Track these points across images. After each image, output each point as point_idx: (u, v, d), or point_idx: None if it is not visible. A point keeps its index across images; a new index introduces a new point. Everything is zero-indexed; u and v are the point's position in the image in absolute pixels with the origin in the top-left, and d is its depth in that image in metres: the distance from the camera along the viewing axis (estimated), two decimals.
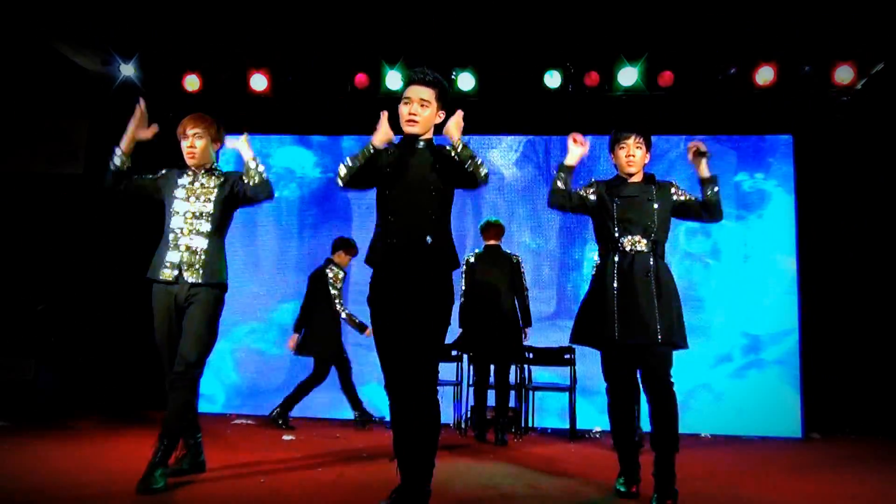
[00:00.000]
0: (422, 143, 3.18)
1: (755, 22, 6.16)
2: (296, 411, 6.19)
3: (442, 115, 3.20)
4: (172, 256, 3.59)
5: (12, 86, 7.11)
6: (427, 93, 3.13)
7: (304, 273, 6.69)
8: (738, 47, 6.54)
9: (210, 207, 3.67)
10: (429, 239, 3.02)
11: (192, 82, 7.10)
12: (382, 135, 3.15)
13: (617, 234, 3.71)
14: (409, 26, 6.45)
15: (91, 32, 6.55)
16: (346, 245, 6.47)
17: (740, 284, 6.98)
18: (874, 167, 6.91)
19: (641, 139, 3.80)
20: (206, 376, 3.83)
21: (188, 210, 3.65)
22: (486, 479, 3.99)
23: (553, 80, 6.90)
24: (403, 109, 3.14)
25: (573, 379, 6.20)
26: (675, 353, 3.65)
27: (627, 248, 3.67)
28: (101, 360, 7.06)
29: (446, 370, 6.28)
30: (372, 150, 3.13)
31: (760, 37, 6.36)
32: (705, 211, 3.79)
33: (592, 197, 3.84)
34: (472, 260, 5.97)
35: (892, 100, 6.72)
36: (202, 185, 3.71)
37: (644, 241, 3.68)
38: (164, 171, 3.79)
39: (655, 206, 3.73)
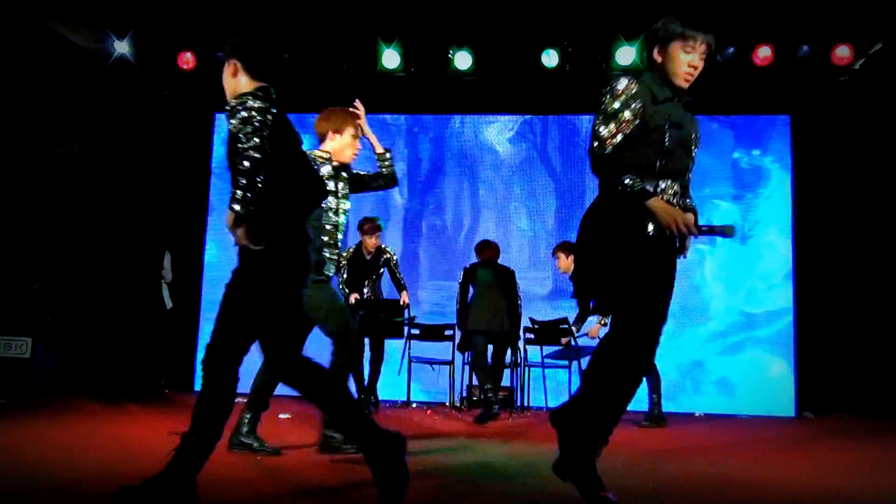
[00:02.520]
0: None
1: (754, 1, 6.11)
2: (291, 390, 6.18)
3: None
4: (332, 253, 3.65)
5: (6, 65, 7.03)
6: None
7: None
8: (736, 27, 6.49)
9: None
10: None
11: (186, 60, 7.01)
12: None
13: (657, 173, 2.50)
14: (406, 3, 6.38)
15: (85, 10, 6.47)
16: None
17: (737, 264, 6.99)
18: (872, 147, 6.89)
19: (708, 49, 2.63)
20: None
21: (342, 206, 3.70)
22: (482, 457, 4.01)
23: (550, 59, 6.83)
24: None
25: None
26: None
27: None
28: (98, 339, 7.06)
29: (440, 349, 6.33)
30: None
31: (759, 16, 6.31)
32: None
33: (630, 117, 2.50)
34: (471, 266, 6.03)
35: (889, 80, 6.69)
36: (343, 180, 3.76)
37: (681, 193, 2.57)
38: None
39: (694, 146, 2.66)
